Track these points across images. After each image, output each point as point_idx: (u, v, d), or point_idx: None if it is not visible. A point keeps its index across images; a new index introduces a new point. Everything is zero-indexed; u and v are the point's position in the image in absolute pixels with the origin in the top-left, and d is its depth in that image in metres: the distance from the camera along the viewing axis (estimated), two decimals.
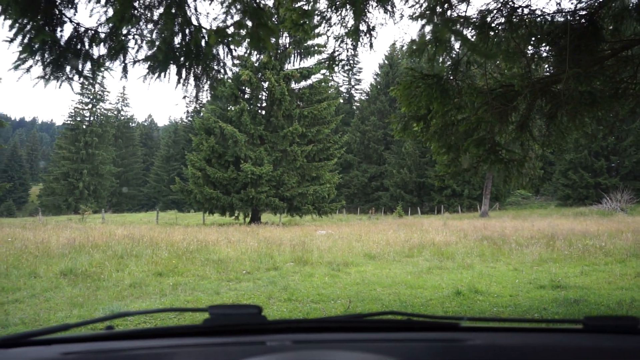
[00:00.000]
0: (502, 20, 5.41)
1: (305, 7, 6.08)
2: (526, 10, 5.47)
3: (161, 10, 2.74)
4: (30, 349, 0.98)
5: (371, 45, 6.81)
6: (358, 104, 67.20)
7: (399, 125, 6.58)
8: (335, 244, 13.45)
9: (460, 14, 5.35)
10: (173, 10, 2.71)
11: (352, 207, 50.66)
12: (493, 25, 5.32)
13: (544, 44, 5.77)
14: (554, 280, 8.39)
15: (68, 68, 2.75)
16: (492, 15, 5.38)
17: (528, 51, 5.83)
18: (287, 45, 27.80)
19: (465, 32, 5.62)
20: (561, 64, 5.16)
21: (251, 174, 25.91)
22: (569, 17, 5.40)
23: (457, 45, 5.49)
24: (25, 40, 2.52)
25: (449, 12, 5.32)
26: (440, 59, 5.06)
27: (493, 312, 6.33)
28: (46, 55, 2.67)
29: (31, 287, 7.66)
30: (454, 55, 5.12)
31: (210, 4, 3.22)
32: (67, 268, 8.79)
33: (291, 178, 27.40)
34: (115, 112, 73.09)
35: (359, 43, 6.60)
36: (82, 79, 2.76)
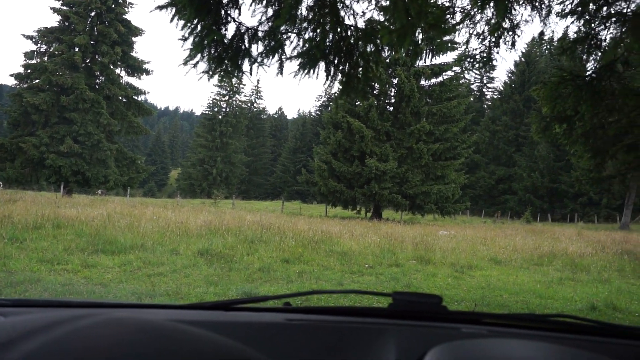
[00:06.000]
0: None
1: (448, 4, 6.01)
2: None
3: (315, 9, 2.87)
4: (252, 313, 1.12)
5: (513, 44, 6.57)
6: (489, 103, 64.71)
7: (539, 126, 6.29)
8: (459, 246, 13.15)
9: (617, 10, 4.99)
10: (326, 10, 2.84)
11: (476, 209, 49.02)
12: None
13: None
14: None
15: (229, 64, 2.98)
16: None
17: None
18: (420, 42, 27.43)
19: (620, 30, 5.23)
20: None
21: (375, 169, 26.02)
22: None
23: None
24: (197, 39, 2.78)
25: (604, 9, 4.98)
26: (592, 59, 4.76)
27: None
28: (212, 52, 2.92)
29: (173, 263, 8.35)
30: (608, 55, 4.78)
31: (358, 2, 3.31)
32: (204, 248, 9.46)
33: (415, 176, 27.11)
34: (249, 104, 76.79)
35: (501, 41, 6.40)
36: (240, 74, 2.98)
